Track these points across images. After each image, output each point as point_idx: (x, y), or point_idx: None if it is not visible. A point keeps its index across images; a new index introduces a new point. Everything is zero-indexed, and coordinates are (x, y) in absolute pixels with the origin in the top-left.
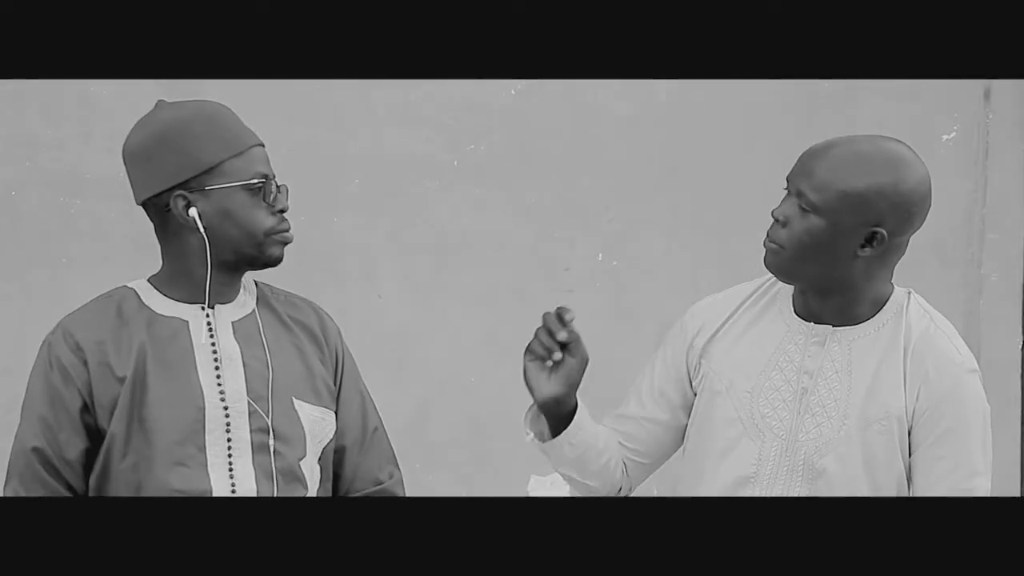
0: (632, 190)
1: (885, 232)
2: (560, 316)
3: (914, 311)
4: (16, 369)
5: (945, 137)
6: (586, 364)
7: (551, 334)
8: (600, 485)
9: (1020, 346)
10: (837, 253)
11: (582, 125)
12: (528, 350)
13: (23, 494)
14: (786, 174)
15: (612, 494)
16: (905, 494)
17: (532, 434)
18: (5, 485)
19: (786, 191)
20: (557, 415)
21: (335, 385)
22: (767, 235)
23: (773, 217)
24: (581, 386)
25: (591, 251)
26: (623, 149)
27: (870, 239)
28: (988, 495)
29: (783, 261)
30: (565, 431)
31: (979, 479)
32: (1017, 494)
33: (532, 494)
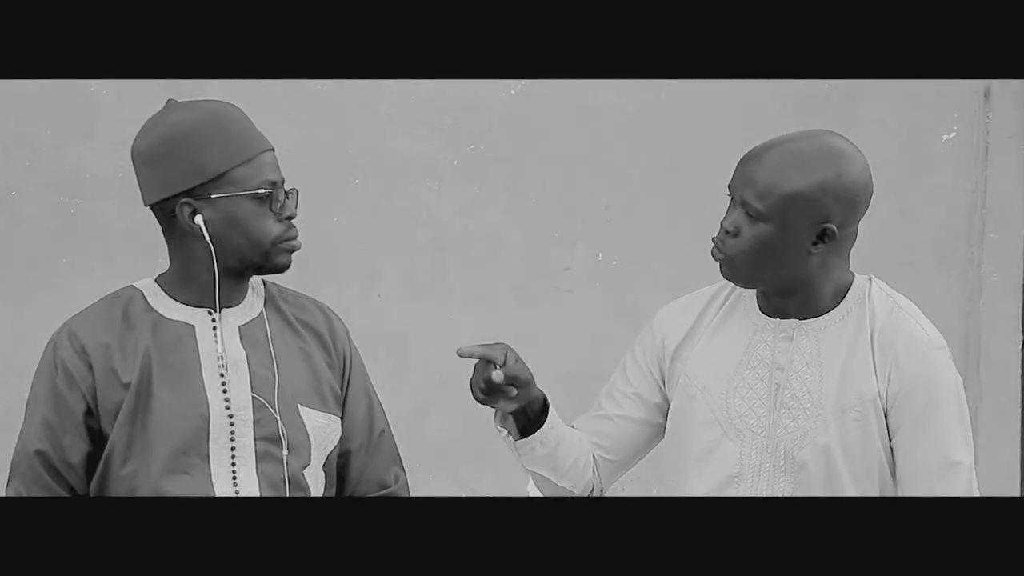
0: (632, 190)
1: (834, 226)
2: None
3: (877, 296)
4: (16, 369)
5: (945, 137)
6: (520, 360)
7: (489, 386)
8: (572, 486)
9: (1020, 346)
10: (791, 254)
11: (582, 125)
12: (475, 395)
13: (25, 495)
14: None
15: (585, 495)
16: (888, 481)
17: (505, 431)
18: (7, 485)
19: (730, 199)
20: (527, 413)
21: (342, 389)
22: (715, 246)
23: (722, 228)
24: (580, 386)
25: (591, 251)
26: (623, 149)
27: (821, 235)
28: (971, 467)
29: (738, 270)
30: (538, 431)
31: (960, 453)
32: (1017, 494)
33: (532, 494)
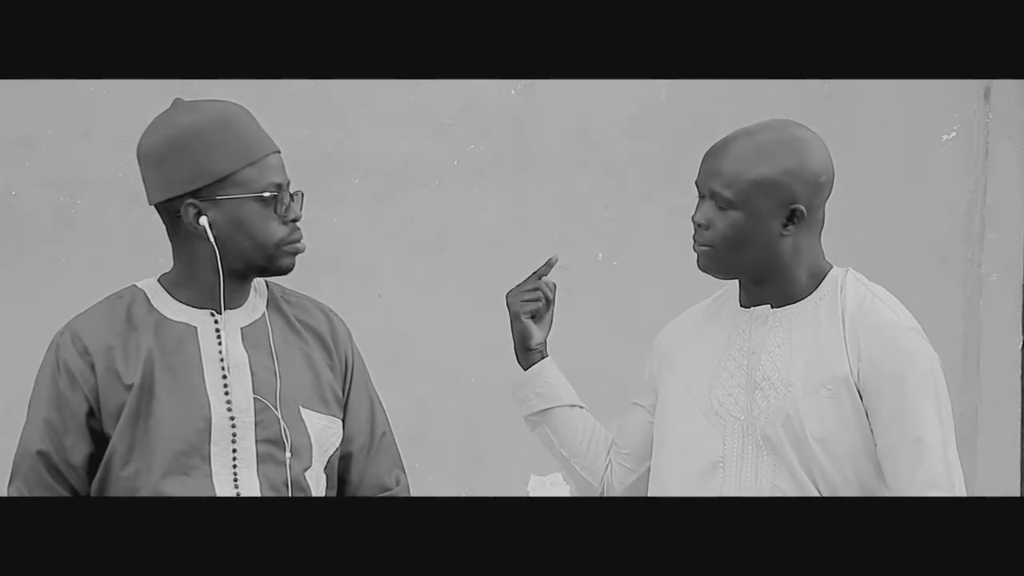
0: (632, 190)
1: (803, 207)
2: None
3: (851, 284)
4: (16, 369)
5: (945, 137)
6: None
7: (542, 289)
8: (578, 458)
9: (1020, 346)
10: (763, 238)
11: (582, 125)
12: (524, 312)
13: (27, 496)
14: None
15: (596, 484)
16: (868, 470)
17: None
18: (9, 485)
19: (699, 196)
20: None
21: (343, 392)
22: (694, 240)
23: (694, 223)
24: (580, 386)
25: (591, 251)
26: (623, 149)
27: (790, 217)
28: (943, 444)
29: (715, 260)
30: (537, 366)
31: (927, 432)
32: (1017, 494)
33: (532, 494)
